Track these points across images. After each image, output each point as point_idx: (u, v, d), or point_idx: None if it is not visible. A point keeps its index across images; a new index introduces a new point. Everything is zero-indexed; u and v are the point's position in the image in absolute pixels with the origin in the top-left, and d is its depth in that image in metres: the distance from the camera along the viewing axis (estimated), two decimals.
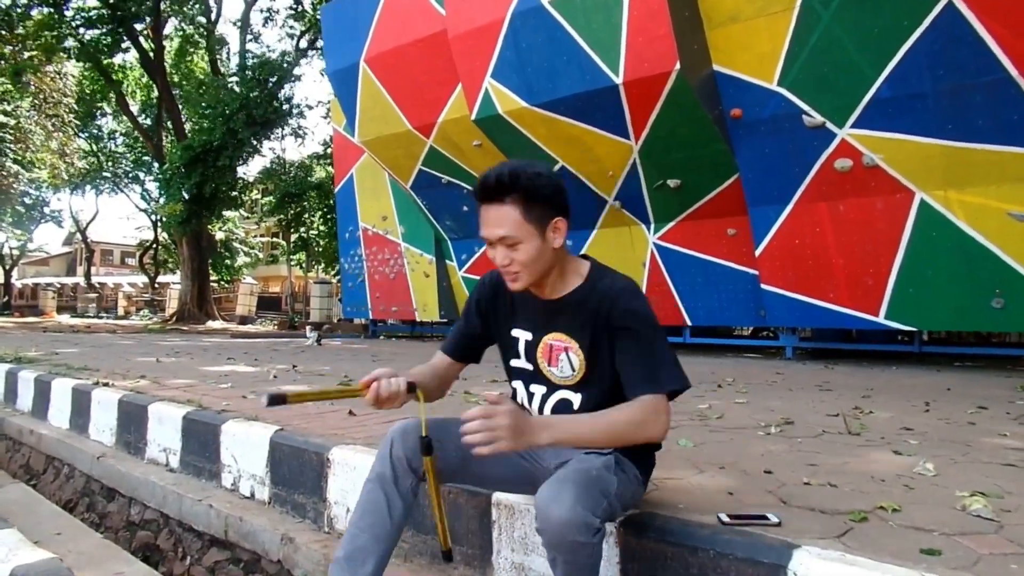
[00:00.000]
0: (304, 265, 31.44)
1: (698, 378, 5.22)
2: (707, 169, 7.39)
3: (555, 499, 1.22)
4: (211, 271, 25.88)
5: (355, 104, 9.99)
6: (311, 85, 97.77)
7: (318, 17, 15.89)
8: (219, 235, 31.52)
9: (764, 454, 2.32)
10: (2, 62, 18.83)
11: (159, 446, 3.31)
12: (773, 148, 6.86)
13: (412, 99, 9.28)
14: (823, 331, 8.44)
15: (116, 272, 50.54)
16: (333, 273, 22.49)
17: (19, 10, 17.51)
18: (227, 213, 24.48)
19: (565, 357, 1.51)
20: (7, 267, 42.23)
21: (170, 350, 7.97)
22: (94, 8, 18.59)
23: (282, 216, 22.45)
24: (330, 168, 19.13)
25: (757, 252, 7.27)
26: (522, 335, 1.57)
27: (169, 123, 22.10)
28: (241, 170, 19.68)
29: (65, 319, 29.11)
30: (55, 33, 17.75)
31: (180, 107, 21.61)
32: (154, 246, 40.17)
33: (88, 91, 26.71)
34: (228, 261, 34.93)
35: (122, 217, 45.16)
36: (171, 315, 23.65)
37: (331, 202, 17.53)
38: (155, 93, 23.53)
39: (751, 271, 7.49)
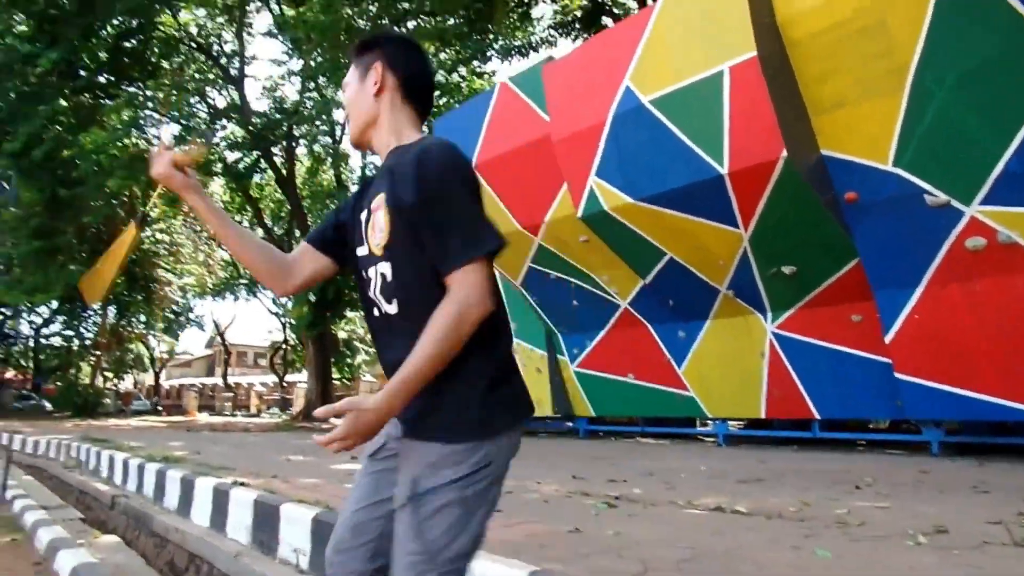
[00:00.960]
0: None
1: (832, 478, 4.87)
2: (823, 254, 7.14)
3: None
4: (334, 370, 27.20)
5: None
6: None
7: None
8: (341, 335, 33.29)
9: (913, 568, 2.13)
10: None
11: (290, 546, 3.44)
12: (894, 229, 6.57)
13: (520, 200, 9.67)
14: (972, 424, 7.70)
15: (250, 372, 54.01)
16: None
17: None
18: (349, 313, 25.81)
19: (380, 216, 1.31)
20: (157, 370, 46.17)
21: (297, 448, 8.35)
22: (240, 135, 20.94)
23: None
24: None
25: (887, 339, 6.84)
26: (364, 215, 1.38)
27: (298, 233, 24.05)
28: None
29: (205, 417, 31.24)
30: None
31: (308, 219, 23.50)
32: (283, 347, 42.86)
33: (228, 207, 29.64)
34: (349, 360, 36.53)
35: (256, 321, 48.59)
36: (298, 413, 24.86)
37: None
38: (287, 207, 25.82)
39: (883, 359, 7.03)
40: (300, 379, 41.15)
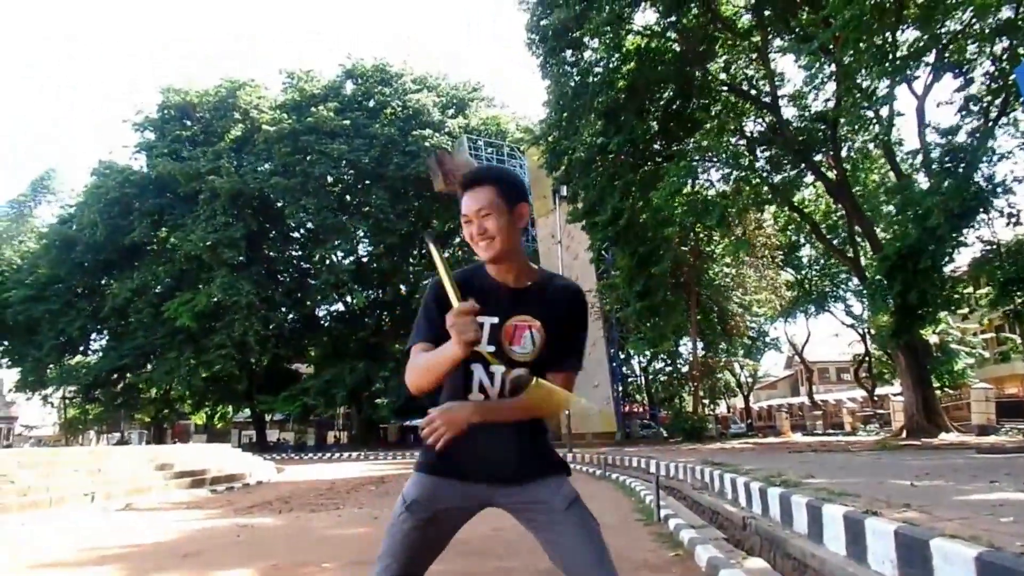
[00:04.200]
0: None
1: None
2: None
3: None
4: (932, 378, 24.13)
5: None
6: None
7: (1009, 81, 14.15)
8: (932, 339, 29.45)
9: None
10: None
11: None
12: None
13: None
14: None
15: (834, 388, 52.35)
16: None
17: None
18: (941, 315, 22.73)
19: (528, 334, 1.79)
20: (746, 393, 48.87)
21: (918, 470, 7.61)
22: (780, 154, 21.14)
23: (1009, 307, 19.52)
24: None
25: None
26: (487, 320, 1.76)
27: (860, 237, 22.58)
28: (953, 267, 18.29)
29: (799, 437, 31.43)
30: (755, 185, 20.82)
31: (869, 220, 21.88)
32: (866, 359, 40.26)
33: (783, 227, 29.86)
34: (947, 365, 31.94)
35: (831, 335, 47.02)
36: (899, 429, 22.79)
37: None
38: (841, 212, 24.63)
39: None
40: (892, 391, 37.81)
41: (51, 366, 43.38)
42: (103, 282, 43.14)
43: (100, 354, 44.27)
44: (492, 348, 1.76)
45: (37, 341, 41.45)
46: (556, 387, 1.69)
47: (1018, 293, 17.67)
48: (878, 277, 16.45)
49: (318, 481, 14.97)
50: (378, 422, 45.95)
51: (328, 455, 34.46)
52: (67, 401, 49.24)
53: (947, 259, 16.50)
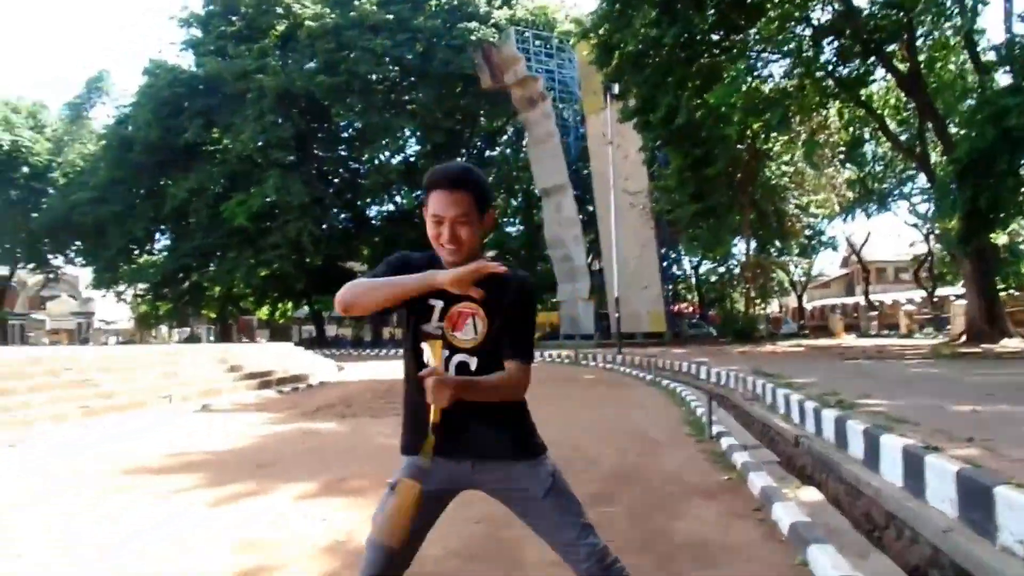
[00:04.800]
0: None
1: None
2: None
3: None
4: (999, 281, 23.33)
5: None
6: None
7: None
8: (1001, 239, 28.20)
9: None
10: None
11: (1012, 536, 3.11)
12: None
13: None
14: None
15: (891, 288, 51.12)
16: None
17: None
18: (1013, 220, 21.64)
19: (471, 322, 1.83)
20: (799, 293, 48.22)
21: (979, 390, 7.48)
22: (848, 45, 19.72)
23: None
24: None
25: None
26: (437, 303, 1.83)
27: (930, 134, 21.29)
28: None
29: (851, 339, 31.10)
30: (820, 80, 19.59)
31: (941, 116, 20.52)
32: (928, 259, 38.98)
33: (847, 123, 28.28)
34: (1014, 266, 30.71)
35: (891, 235, 45.48)
36: (958, 334, 22.30)
37: None
38: (911, 107, 23.15)
39: None
40: (953, 292, 36.76)
41: (122, 265, 45.51)
42: (162, 183, 44.22)
43: (165, 254, 46.12)
44: (439, 331, 1.84)
45: (106, 241, 43.38)
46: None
47: None
48: (948, 180, 15.59)
49: (376, 382, 15.62)
50: None
51: (384, 351, 35.81)
52: (138, 298, 51.85)
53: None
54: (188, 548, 3.69)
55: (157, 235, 47.74)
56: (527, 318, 1.88)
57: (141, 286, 48.29)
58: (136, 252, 47.01)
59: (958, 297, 29.61)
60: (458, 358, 1.85)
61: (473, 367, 1.84)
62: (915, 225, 38.61)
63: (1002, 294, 25.33)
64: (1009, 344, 18.58)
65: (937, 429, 4.91)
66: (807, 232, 37.58)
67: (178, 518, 4.28)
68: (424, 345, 1.86)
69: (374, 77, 41.11)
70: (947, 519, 3.68)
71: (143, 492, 4.99)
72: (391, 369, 20.70)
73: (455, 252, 1.80)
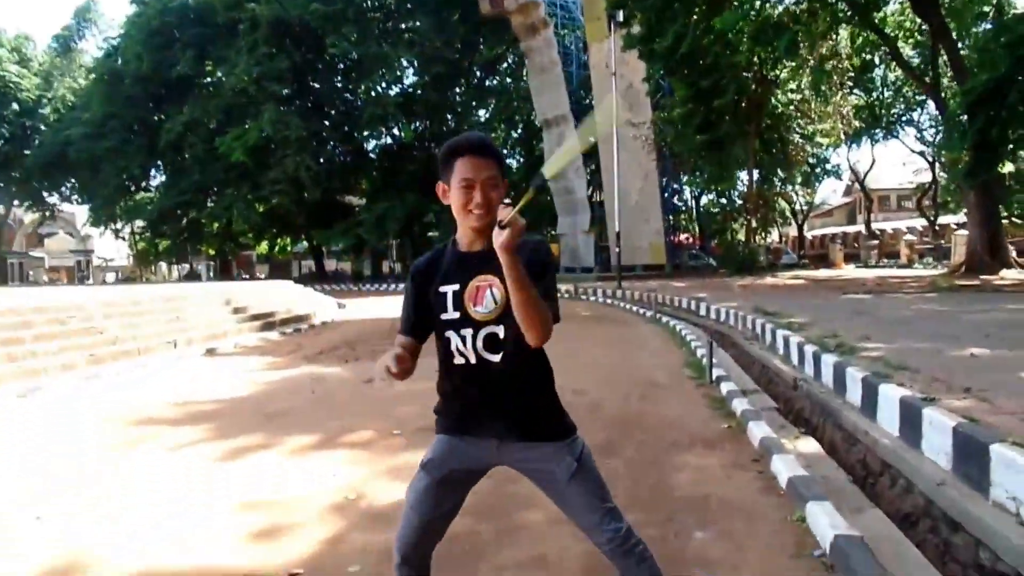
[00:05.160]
0: None
1: None
2: None
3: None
4: (1002, 210, 23.18)
5: None
6: None
7: None
8: (1007, 167, 27.87)
9: None
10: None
11: (1006, 492, 3.18)
12: None
13: None
14: None
15: (893, 217, 50.87)
16: None
17: None
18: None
19: (489, 293, 1.83)
20: (800, 222, 47.96)
21: (977, 330, 7.53)
22: None
23: None
24: None
25: None
26: (449, 288, 1.87)
27: (943, 58, 20.70)
28: None
29: (851, 270, 31.12)
30: (831, 6, 18.92)
31: (955, 41, 19.90)
32: (932, 187, 38.60)
33: (858, 48, 27.47)
34: (1019, 195, 30.43)
35: (897, 163, 44.87)
36: (958, 265, 22.30)
37: None
38: (924, 29, 22.43)
39: None
40: (955, 220, 36.57)
41: (119, 202, 45.19)
42: (156, 118, 43.41)
43: (162, 191, 45.71)
44: (456, 314, 1.86)
45: (102, 178, 42.96)
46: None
47: None
48: (959, 112, 15.25)
49: (378, 320, 15.75)
50: None
51: (384, 286, 35.95)
52: (136, 236, 51.70)
53: None
54: (196, 506, 3.78)
55: (153, 171, 47.23)
56: (545, 276, 1.86)
57: (139, 223, 48.10)
58: (132, 189, 46.60)
59: (959, 226, 29.45)
60: (484, 331, 1.85)
61: (502, 335, 1.84)
62: (921, 153, 38.10)
63: (1004, 223, 25.20)
64: (1008, 275, 18.61)
65: (935, 377, 4.97)
66: (811, 161, 37.09)
67: (186, 474, 4.37)
68: (448, 334, 1.89)
69: (369, 4, 39.75)
70: (941, 472, 3.77)
71: (151, 445, 5.09)
72: (392, 306, 20.83)
73: (482, 218, 1.82)
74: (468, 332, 1.86)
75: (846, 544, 2.86)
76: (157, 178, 48.01)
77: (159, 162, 45.74)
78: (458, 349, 1.88)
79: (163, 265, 60.42)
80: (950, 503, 3.49)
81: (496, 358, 1.85)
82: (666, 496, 3.73)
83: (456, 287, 1.87)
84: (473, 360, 1.87)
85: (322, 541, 3.28)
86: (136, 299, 11.83)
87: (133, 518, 3.61)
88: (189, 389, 7.47)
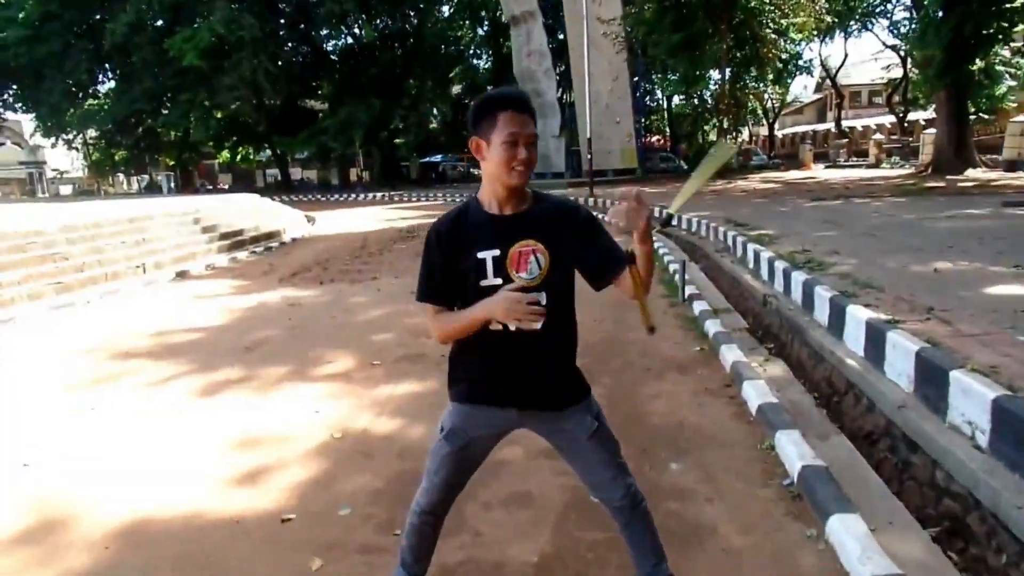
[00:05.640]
0: None
1: None
2: None
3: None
4: (969, 105, 23.20)
5: None
6: None
7: None
8: (977, 64, 27.71)
9: None
10: None
11: (962, 415, 3.36)
12: None
13: None
14: None
15: (864, 114, 50.71)
16: None
17: None
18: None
19: (533, 259, 1.81)
20: (771, 121, 47.64)
21: (941, 241, 7.72)
22: None
23: None
24: None
25: None
26: (489, 254, 1.81)
27: None
28: None
29: (821, 170, 31.29)
30: None
31: None
32: (903, 83, 38.33)
33: None
34: (988, 90, 30.41)
35: (869, 59, 44.25)
36: (924, 165, 22.55)
37: None
38: None
39: None
40: (924, 116, 36.61)
41: (67, 111, 42.92)
42: (99, 18, 40.60)
43: (113, 98, 43.44)
44: (499, 280, 1.82)
45: (46, 86, 40.57)
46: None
47: None
48: (934, 8, 14.96)
49: (350, 236, 15.59)
50: (399, 160, 46.18)
51: (352, 196, 35.28)
52: (90, 146, 49.54)
53: None
54: (180, 448, 3.84)
55: (102, 77, 44.67)
56: (599, 229, 1.90)
57: (92, 133, 45.97)
58: (81, 96, 44.18)
59: (928, 123, 29.51)
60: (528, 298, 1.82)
61: (544, 302, 1.82)
62: (893, 47, 37.55)
63: (972, 117, 25.29)
64: (972, 175, 18.89)
65: (899, 297, 5.12)
66: (783, 57, 36.40)
67: (167, 413, 4.40)
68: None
69: None
70: (902, 394, 3.96)
71: (130, 382, 5.10)
72: (363, 219, 20.58)
73: (522, 175, 1.80)
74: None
75: (812, 475, 3.03)
76: (107, 84, 45.55)
77: (107, 66, 43.20)
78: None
79: (121, 176, 58.33)
80: (909, 424, 3.69)
81: (537, 326, 1.82)
82: (642, 425, 3.88)
83: (497, 252, 1.82)
84: (512, 327, 1.82)
85: (310, 482, 3.37)
86: (98, 221, 11.48)
87: (116, 462, 3.66)
88: (163, 318, 7.41)
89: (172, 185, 49.53)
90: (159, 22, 39.22)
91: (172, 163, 49.39)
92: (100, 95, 45.70)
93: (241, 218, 15.57)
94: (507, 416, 1.97)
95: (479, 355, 1.91)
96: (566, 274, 1.88)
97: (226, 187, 49.69)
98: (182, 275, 10.54)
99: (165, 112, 41.27)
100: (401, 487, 3.18)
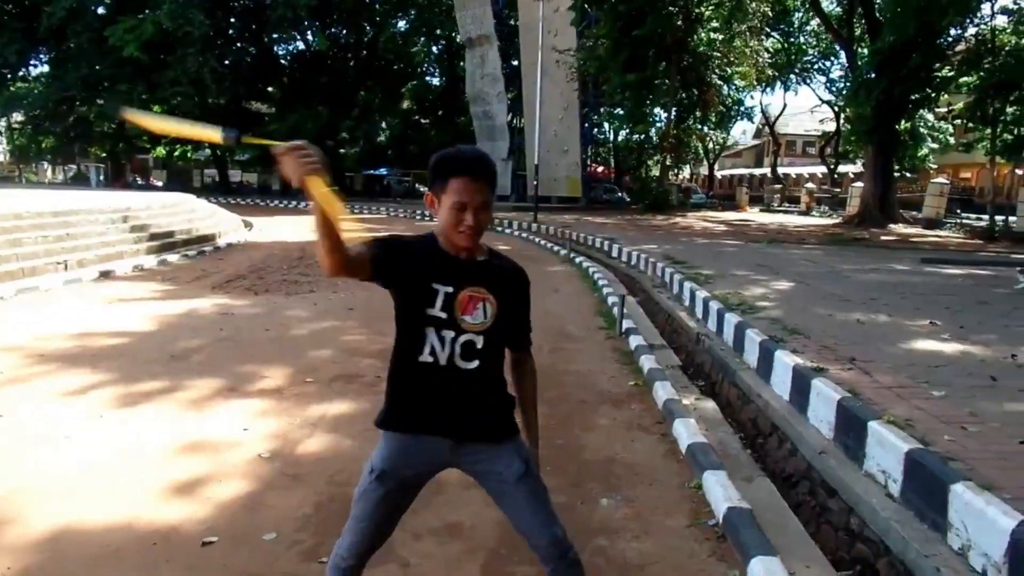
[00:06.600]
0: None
1: None
2: None
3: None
4: (895, 163, 24.60)
5: None
6: None
7: None
8: (903, 124, 29.47)
9: None
10: None
11: (877, 465, 3.53)
12: None
13: None
14: None
15: (798, 162, 53.15)
16: None
17: None
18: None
19: (482, 306, 1.89)
20: (711, 161, 49.36)
21: (865, 292, 8.12)
22: None
23: (979, 112, 19.31)
24: None
25: None
26: (442, 288, 1.86)
27: (861, 10, 21.32)
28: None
29: (756, 213, 32.51)
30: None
31: None
32: (835, 137, 40.39)
33: None
34: (912, 150, 32.34)
35: (806, 111, 46.50)
36: (852, 216, 23.72)
37: None
38: None
39: None
40: (853, 170, 38.61)
41: None
42: None
43: (44, 82, 41.49)
44: (444, 315, 1.86)
45: None
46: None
47: (995, 100, 17.31)
48: (867, 70, 15.90)
49: (288, 244, 15.28)
50: (343, 171, 45.62)
51: (293, 203, 34.57)
52: (15, 130, 47.11)
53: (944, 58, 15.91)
54: (96, 461, 3.65)
55: (33, 60, 42.64)
56: (528, 308, 2.05)
57: (17, 116, 43.74)
58: (9, 77, 42.04)
59: (856, 176, 31.08)
60: (464, 338, 1.89)
61: (479, 345, 1.90)
62: (829, 102, 39.57)
63: (896, 174, 26.73)
64: (895, 229, 19.99)
65: (824, 345, 5.36)
66: (727, 102, 37.88)
67: (84, 423, 4.19)
68: (427, 330, 1.88)
69: None
70: (823, 440, 4.13)
71: (45, 387, 4.83)
72: (302, 227, 20.16)
73: (470, 239, 1.85)
74: (450, 335, 1.88)
75: (736, 517, 3.11)
76: (38, 67, 43.51)
77: (41, 48, 41.30)
78: (432, 348, 1.88)
79: (46, 165, 55.59)
80: (827, 470, 3.85)
81: (470, 365, 1.89)
82: (575, 458, 3.92)
83: (450, 289, 1.87)
84: (444, 363, 1.88)
85: (235, 504, 3.26)
86: (19, 212, 10.89)
87: (26, 476, 3.45)
88: (84, 320, 7.07)
89: (101, 178, 47.46)
90: (100, 9, 37.83)
91: (104, 155, 47.38)
92: (30, 79, 43.63)
93: (174, 218, 15.06)
94: (440, 448, 1.96)
95: (414, 384, 1.92)
96: (505, 328, 1.96)
97: (160, 184, 47.96)
98: (106, 275, 10.09)
99: (100, 102, 39.67)
100: (330, 513, 3.11)
